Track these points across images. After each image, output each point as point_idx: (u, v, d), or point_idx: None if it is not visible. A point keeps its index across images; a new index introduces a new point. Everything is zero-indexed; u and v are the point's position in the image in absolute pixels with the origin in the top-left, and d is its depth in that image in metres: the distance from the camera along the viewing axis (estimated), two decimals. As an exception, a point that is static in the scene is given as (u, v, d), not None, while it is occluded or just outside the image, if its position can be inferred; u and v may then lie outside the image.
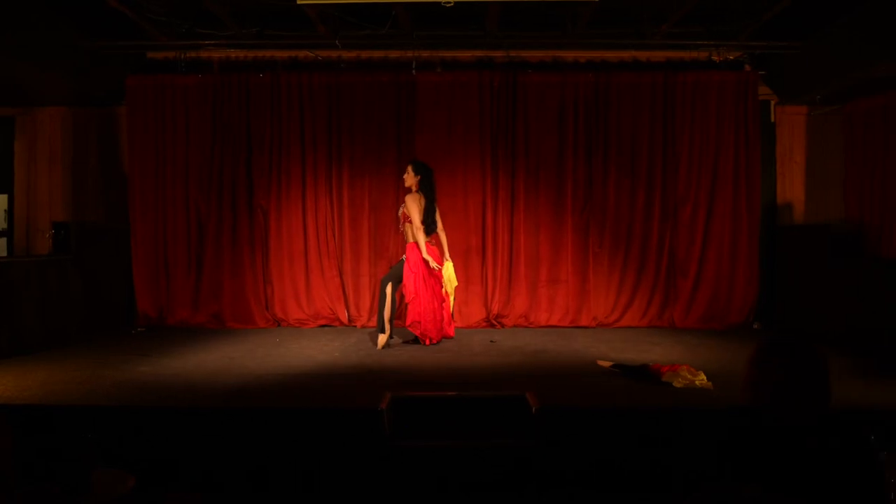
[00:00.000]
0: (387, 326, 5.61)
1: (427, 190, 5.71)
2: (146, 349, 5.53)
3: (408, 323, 5.84)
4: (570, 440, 3.57)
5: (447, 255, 5.88)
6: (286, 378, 4.53)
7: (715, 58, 6.96)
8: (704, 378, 4.23)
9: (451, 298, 5.85)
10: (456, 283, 5.89)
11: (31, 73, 5.95)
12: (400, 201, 6.83)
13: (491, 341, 6.01)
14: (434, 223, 5.72)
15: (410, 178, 5.77)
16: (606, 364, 4.84)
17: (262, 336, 6.29)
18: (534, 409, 3.65)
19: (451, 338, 5.91)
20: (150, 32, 6.39)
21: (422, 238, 5.57)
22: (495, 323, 6.83)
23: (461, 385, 4.32)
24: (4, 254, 7.17)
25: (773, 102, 7.09)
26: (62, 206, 7.23)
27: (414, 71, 6.84)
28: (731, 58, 6.99)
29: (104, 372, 4.64)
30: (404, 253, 5.80)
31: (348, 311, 6.91)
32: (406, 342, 5.84)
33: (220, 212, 6.94)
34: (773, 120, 7.09)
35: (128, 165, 7.02)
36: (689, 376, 4.20)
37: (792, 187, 7.11)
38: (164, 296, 6.96)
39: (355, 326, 6.83)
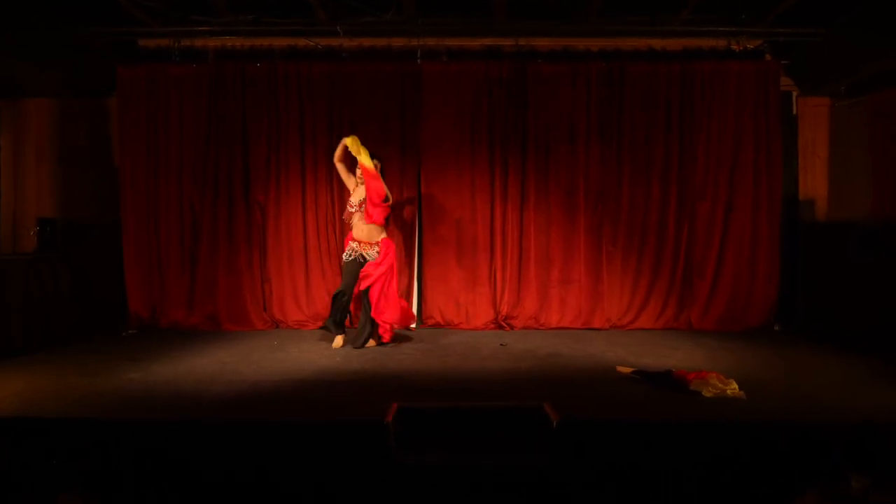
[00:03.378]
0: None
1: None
2: (137, 353, 5.22)
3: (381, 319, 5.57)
4: (596, 456, 3.25)
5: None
6: (284, 385, 4.22)
7: (734, 47, 6.65)
8: (736, 387, 3.91)
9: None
10: None
11: (14, 63, 5.64)
12: (404, 196, 6.58)
13: (501, 344, 5.70)
14: None
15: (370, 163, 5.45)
16: (626, 370, 4.52)
17: (259, 339, 5.98)
18: (554, 423, 3.33)
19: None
20: (142, 19, 6.08)
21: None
22: (504, 325, 6.51)
23: (471, 393, 4.02)
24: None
25: (794, 94, 6.78)
26: (51, 201, 6.91)
27: (419, 60, 6.53)
28: (751, 47, 6.69)
29: (89, 379, 4.33)
30: (363, 247, 5.50)
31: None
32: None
33: (216, 208, 6.62)
34: (794, 112, 6.77)
35: (119, 159, 6.70)
36: (719, 385, 3.88)
37: (814, 182, 6.79)
38: (157, 296, 6.65)
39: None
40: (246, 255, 6.62)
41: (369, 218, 5.44)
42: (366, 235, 5.49)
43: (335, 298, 5.53)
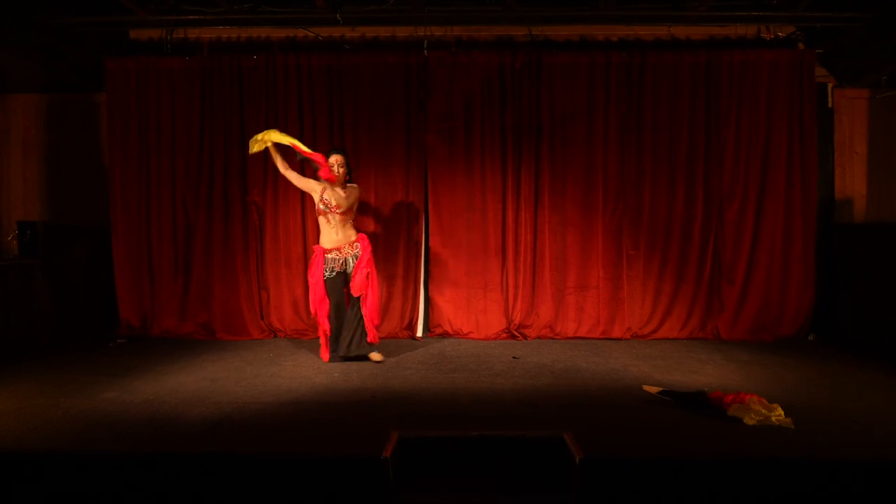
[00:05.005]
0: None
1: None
2: (119, 367, 4.83)
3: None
4: (627, 498, 2.81)
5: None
6: (273, 408, 3.81)
7: (764, 35, 6.21)
8: (782, 413, 3.46)
9: None
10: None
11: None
12: (410, 196, 6.16)
13: (513, 357, 5.26)
14: None
15: (343, 161, 5.03)
16: (654, 390, 4.07)
17: (254, 350, 5.58)
18: (577, 459, 2.89)
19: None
20: (132, 8, 5.69)
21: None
22: (517, 334, 6.07)
23: (481, 418, 3.59)
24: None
25: (830, 85, 6.28)
26: (38, 203, 6.56)
27: (425, 51, 6.12)
28: (783, 35, 6.24)
29: (57, 400, 3.93)
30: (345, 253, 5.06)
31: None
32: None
33: (211, 210, 6.23)
34: (830, 105, 6.28)
35: (108, 158, 6.33)
36: (763, 411, 3.43)
37: (852, 180, 6.29)
38: (148, 303, 6.27)
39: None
40: (242, 259, 6.22)
41: (348, 215, 5.03)
42: (344, 238, 5.04)
43: (331, 324, 5.06)
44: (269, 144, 4.93)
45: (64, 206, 6.54)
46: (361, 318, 5.00)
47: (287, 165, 5.10)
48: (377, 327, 5.11)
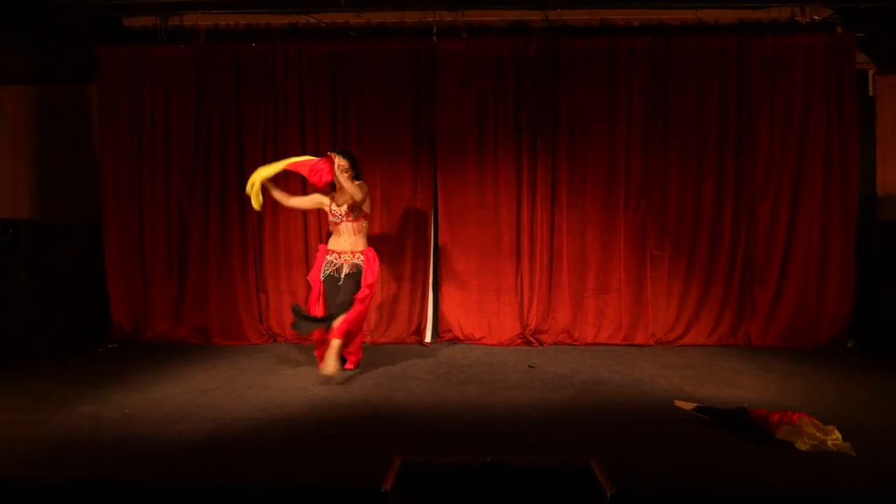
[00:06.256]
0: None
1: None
2: (103, 376, 4.49)
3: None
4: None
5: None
6: (262, 426, 3.44)
7: (799, 18, 5.77)
8: (839, 437, 3.04)
9: None
10: None
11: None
12: (418, 192, 5.78)
13: (529, 366, 4.86)
14: None
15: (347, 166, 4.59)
16: (688, 406, 3.65)
17: (251, 356, 5.22)
18: (608, 494, 2.48)
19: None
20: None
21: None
22: (532, 340, 5.66)
23: (495, 439, 3.20)
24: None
25: (871, 72, 5.83)
26: (28, 200, 6.22)
27: (434, 38, 5.74)
28: (819, 18, 5.78)
29: (28, 415, 3.59)
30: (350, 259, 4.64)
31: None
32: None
33: (207, 208, 5.88)
34: (871, 94, 5.83)
35: (100, 152, 5.99)
36: (818, 434, 3.01)
37: (895, 175, 5.83)
38: (141, 305, 5.93)
39: (364, 343, 5.69)
40: (240, 259, 5.87)
41: (360, 223, 4.64)
42: (350, 246, 4.64)
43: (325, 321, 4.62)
44: (261, 184, 4.52)
45: (55, 204, 6.19)
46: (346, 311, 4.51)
47: (287, 194, 4.80)
48: (346, 342, 4.59)
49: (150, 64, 5.89)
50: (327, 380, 4.36)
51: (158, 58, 5.89)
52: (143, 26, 6.07)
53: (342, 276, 4.57)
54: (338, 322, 4.44)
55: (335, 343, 4.44)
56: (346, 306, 4.47)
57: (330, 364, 4.38)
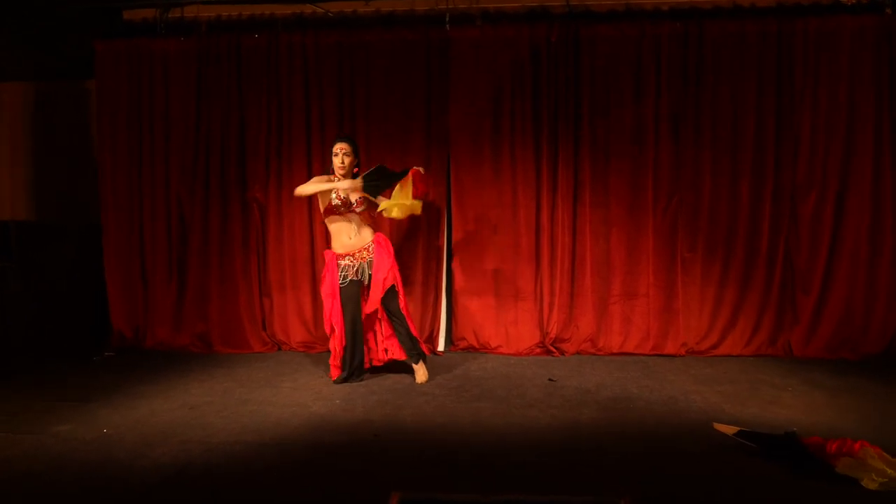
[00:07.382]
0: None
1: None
2: (91, 389, 4.18)
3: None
4: None
5: None
6: (252, 450, 3.09)
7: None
8: (913, 473, 2.59)
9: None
10: None
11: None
12: (430, 191, 5.38)
13: (549, 380, 4.47)
14: None
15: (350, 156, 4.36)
16: (729, 430, 3.23)
17: (252, 366, 4.89)
18: (642, 547, 2.09)
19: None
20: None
21: None
22: (552, 349, 5.26)
23: (511, 469, 2.81)
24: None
25: (924, 57, 5.32)
26: (25, 202, 5.98)
27: (448, 26, 5.36)
28: None
29: (6, 435, 3.27)
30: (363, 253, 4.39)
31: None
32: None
33: (207, 208, 5.57)
34: (925, 81, 5.32)
35: (98, 151, 5.73)
36: (888, 470, 2.57)
37: (953, 170, 5.32)
38: (140, 311, 5.64)
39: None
40: (242, 262, 5.55)
41: (368, 213, 4.40)
42: (360, 241, 4.35)
43: (346, 340, 4.37)
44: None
45: (54, 205, 5.97)
46: (412, 336, 4.47)
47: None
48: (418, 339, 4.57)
49: (149, 57, 5.61)
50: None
51: (158, 51, 5.59)
52: (143, 19, 5.80)
53: (367, 277, 4.33)
54: (407, 339, 4.41)
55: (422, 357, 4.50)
56: (398, 313, 4.38)
57: (421, 374, 4.43)
